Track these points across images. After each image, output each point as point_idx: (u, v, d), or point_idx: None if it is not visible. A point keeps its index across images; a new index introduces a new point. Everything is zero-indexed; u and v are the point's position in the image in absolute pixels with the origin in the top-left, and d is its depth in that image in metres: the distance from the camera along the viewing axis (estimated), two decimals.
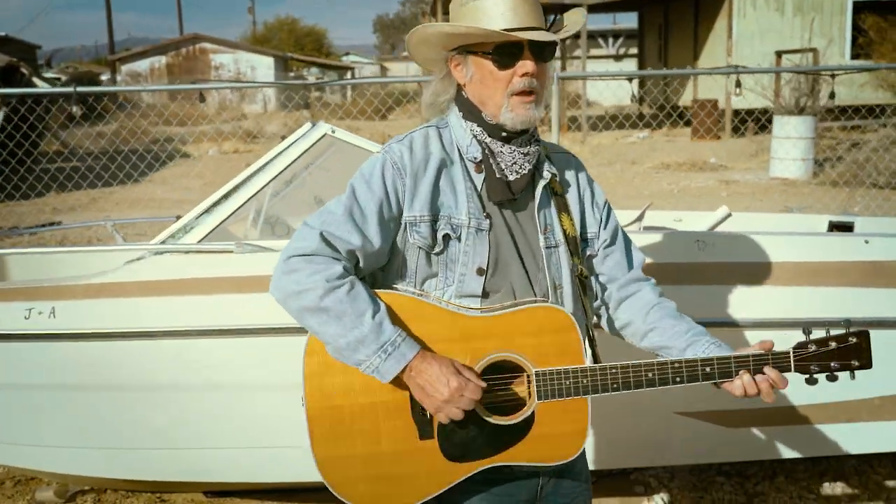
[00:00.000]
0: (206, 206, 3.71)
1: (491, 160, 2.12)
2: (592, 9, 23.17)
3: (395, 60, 53.49)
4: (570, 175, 2.26)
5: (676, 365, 2.04)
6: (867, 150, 14.56)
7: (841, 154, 15.74)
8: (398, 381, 1.99)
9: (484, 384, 1.98)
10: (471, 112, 2.13)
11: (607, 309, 2.31)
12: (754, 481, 4.27)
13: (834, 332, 2.10)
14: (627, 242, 2.32)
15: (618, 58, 33.86)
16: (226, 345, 3.39)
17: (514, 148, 2.12)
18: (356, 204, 2.07)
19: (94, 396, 3.50)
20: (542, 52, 2.06)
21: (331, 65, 47.09)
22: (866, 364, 2.10)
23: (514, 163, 2.12)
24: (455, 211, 2.09)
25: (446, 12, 20.71)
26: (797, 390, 3.52)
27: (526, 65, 2.03)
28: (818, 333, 2.11)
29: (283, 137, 4.10)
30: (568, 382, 2.02)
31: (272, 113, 30.85)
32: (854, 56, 20.87)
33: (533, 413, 2.03)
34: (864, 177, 12.63)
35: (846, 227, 4.66)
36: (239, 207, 3.59)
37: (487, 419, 2.02)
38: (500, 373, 2.04)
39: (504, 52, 2.04)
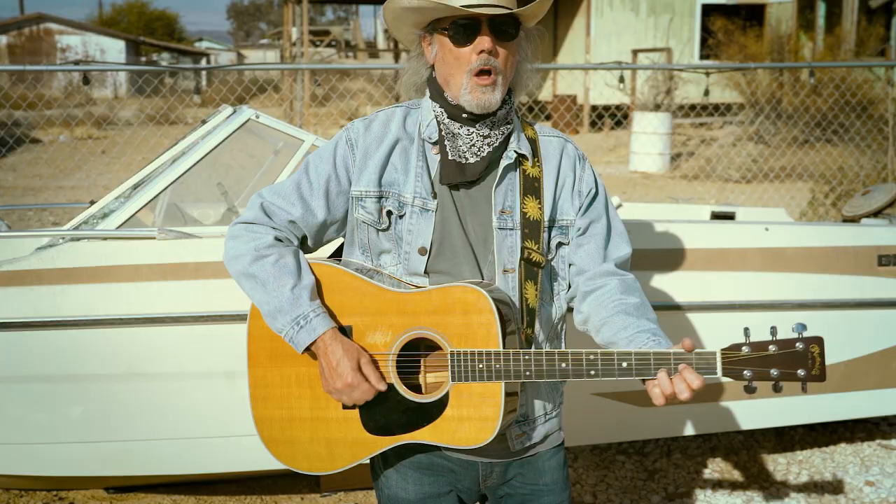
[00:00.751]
0: (122, 191, 3.61)
1: (447, 142, 2.11)
2: None
3: (252, 47, 52.47)
4: (552, 158, 2.19)
5: (592, 357, 1.94)
6: (716, 147, 15.36)
7: (693, 149, 16.54)
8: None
9: (383, 387, 2.01)
10: (437, 92, 2.13)
11: (578, 301, 2.19)
12: (653, 458, 4.48)
13: (781, 336, 1.87)
14: (609, 235, 2.21)
15: None
16: (149, 333, 3.32)
17: (472, 130, 2.09)
18: (306, 177, 2.14)
19: (5, 389, 3.36)
20: (502, 30, 2.03)
21: (185, 50, 45.76)
22: (818, 376, 1.86)
23: (473, 145, 2.09)
24: (402, 189, 2.11)
25: (312, 1, 20.05)
26: None
27: (483, 41, 2.01)
28: (760, 336, 1.88)
29: (204, 121, 4.00)
30: (481, 365, 1.97)
31: (126, 99, 29.71)
32: (703, 56, 21.89)
33: (447, 393, 2.00)
34: (713, 170, 13.33)
35: (728, 217, 4.94)
36: (160, 192, 3.50)
37: (405, 396, 2.03)
38: (427, 350, 2.05)
39: (461, 27, 2.02)
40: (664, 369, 1.90)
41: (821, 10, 21.15)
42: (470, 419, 2.00)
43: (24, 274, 3.28)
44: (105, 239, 3.36)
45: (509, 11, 2.02)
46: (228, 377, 3.38)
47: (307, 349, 2.02)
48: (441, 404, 2.01)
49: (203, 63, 43.19)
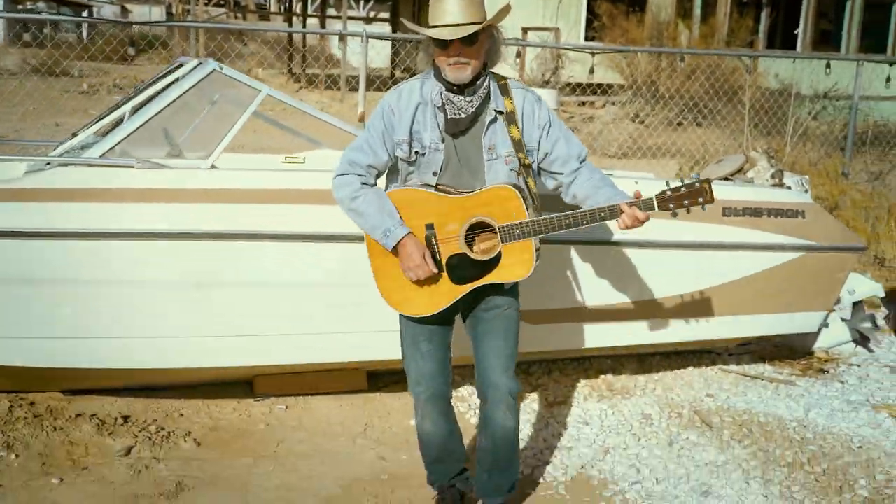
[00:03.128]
0: (98, 128, 4.19)
1: (447, 105, 3.30)
2: None
3: (137, 2, 51.20)
4: (519, 102, 3.38)
5: (583, 213, 3.29)
6: (598, 124, 16.41)
7: (576, 125, 17.57)
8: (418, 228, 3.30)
9: (434, 270, 3.28)
10: (437, 73, 3.30)
11: (565, 189, 3.48)
12: (536, 376, 5.34)
13: (687, 181, 3.28)
14: (569, 146, 3.44)
15: (369, 20, 34.72)
16: (128, 246, 3.95)
17: (460, 98, 3.29)
18: (368, 134, 3.37)
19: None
20: (467, 40, 3.18)
21: (64, 0, 44.39)
22: (709, 200, 3.25)
23: (461, 108, 3.30)
24: (423, 136, 3.32)
25: None
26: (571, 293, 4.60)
27: (453, 50, 3.19)
28: (674, 183, 3.30)
29: (169, 71, 4.58)
30: (518, 230, 3.27)
31: (5, 47, 28.90)
32: (589, 38, 23.00)
33: (500, 252, 3.30)
34: (594, 145, 14.34)
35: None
36: (134, 131, 4.10)
37: (474, 257, 3.30)
38: (481, 229, 3.30)
39: (440, 43, 3.21)
40: (624, 211, 3.26)
41: (698, 0, 22.54)
42: (516, 263, 3.31)
43: (19, 191, 3.85)
44: (90, 166, 3.96)
45: (468, 33, 3.15)
46: (196, 287, 4.05)
47: (394, 249, 3.27)
48: (497, 258, 3.31)
49: (85, 14, 42.12)
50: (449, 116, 3.29)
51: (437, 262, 3.31)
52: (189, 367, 4.31)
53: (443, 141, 3.31)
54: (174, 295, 4.07)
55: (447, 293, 3.34)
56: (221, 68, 4.28)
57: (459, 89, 3.26)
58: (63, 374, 4.27)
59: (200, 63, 4.39)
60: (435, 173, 3.33)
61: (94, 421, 4.37)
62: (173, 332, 4.14)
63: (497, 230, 3.27)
